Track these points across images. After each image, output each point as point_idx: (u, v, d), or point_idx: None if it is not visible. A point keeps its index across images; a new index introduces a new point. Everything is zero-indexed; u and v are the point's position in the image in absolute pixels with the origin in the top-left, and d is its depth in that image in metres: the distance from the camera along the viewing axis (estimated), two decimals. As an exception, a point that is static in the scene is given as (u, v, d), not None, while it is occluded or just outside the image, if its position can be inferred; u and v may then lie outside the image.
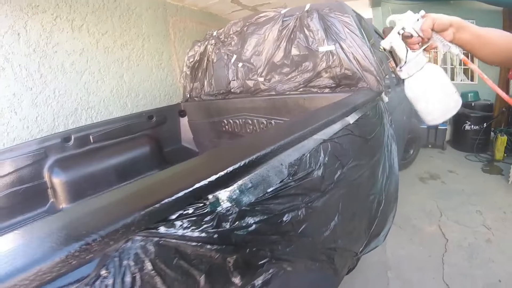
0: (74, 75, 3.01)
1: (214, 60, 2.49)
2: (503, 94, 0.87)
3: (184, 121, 2.86)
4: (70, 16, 2.96)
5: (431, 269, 2.07)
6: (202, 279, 0.47)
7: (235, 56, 2.30)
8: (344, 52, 1.74)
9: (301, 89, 1.99)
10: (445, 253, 2.18)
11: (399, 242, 2.43)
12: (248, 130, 2.35)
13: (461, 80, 4.96)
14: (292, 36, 1.96)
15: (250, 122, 2.30)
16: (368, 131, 1.24)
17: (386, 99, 1.67)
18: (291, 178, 0.67)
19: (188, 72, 2.73)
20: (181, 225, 0.46)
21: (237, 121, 2.39)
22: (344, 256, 0.98)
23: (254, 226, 0.56)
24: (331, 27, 1.77)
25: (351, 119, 1.07)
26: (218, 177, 0.52)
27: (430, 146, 4.61)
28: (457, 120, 4.40)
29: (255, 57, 2.17)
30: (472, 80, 4.93)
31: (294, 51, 1.96)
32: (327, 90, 1.88)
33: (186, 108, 2.83)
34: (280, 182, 0.64)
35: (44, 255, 0.36)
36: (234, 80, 2.35)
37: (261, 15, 2.18)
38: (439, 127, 4.45)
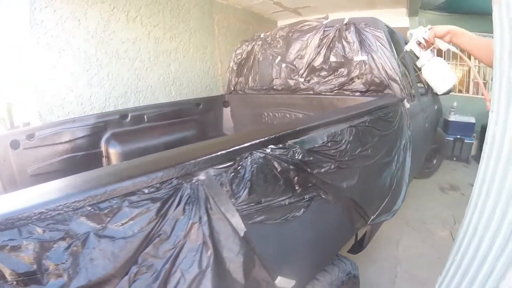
0: (127, 61, 3.42)
1: (260, 59, 2.95)
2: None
3: (226, 111, 3.30)
4: (126, 8, 3.36)
5: (438, 269, 2.35)
6: (281, 181, 0.97)
7: (279, 57, 2.76)
8: (374, 62, 2.15)
9: (335, 91, 2.41)
10: (454, 257, 2.51)
11: (412, 243, 2.75)
12: (286, 124, 2.80)
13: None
14: (331, 45, 2.38)
15: (288, 116, 2.74)
16: (387, 127, 1.68)
17: (407, 105, 2.07)
18: (327, 143, 1.16)
19: (235, 68, 3.20)
20: (274, 151, 0.96)
21: (276, 115, 2.83)
22: (358, 212, 1.46)
23: (307, 162, 1.06)
24: (365, 40, 2.19)
25: (373, 116, 1.52)
26: (292, 131, 1.04)
27: (455, 159, 4.84)
28: (484, 135, 4.56)
29: (298, 60, 2.61)
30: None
31: (332, 58, 2.38)
32: (358, 93, 2.30)
33: (230, 99, 3.29)
34: (322, 143, 1.14)
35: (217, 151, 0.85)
36: (277, 78, 2.81)
37: (306, 23, 2.63)
38: (465, 141, 4.68)
